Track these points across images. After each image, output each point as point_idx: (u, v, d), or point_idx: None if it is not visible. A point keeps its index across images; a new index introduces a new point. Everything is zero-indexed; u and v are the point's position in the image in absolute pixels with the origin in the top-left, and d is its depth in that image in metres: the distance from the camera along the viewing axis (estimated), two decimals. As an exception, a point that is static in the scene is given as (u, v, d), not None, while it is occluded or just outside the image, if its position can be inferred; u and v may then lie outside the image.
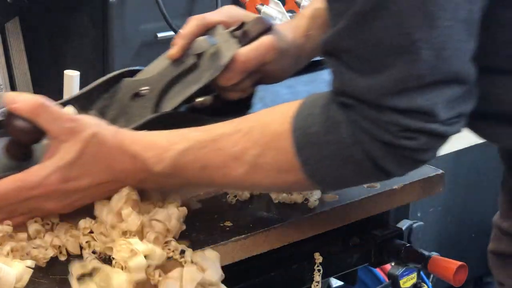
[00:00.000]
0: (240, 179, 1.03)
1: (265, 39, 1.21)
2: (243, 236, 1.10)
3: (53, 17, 1.96)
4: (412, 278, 2.04)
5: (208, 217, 1.14)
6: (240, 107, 1.26)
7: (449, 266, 1.26)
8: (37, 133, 1.03)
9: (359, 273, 1.41)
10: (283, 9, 1.98)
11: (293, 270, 1.20)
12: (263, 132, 1.01)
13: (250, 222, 1.13)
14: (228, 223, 1.13)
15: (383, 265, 1.35)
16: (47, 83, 2.00)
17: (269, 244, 1.12)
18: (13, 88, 1.98)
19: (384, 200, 1.23)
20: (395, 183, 1.24)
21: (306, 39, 1.25)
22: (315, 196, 1.18)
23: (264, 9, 1.98)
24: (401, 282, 2.02)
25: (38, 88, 2.01)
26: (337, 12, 0.95)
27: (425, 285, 2.09)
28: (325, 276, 1.22)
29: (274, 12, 1.98)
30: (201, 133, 1.04)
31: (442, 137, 0.96)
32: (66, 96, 1.48)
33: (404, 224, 1.32)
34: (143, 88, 1.23)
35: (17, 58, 1.99)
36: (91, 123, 1.04)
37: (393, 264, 1.75)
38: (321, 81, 1.00)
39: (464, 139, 2.45)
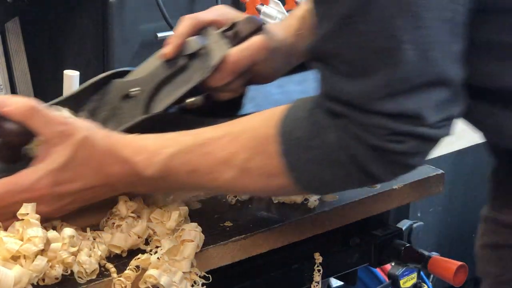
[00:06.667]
0: (228, 183, 1.02)
1: (256, 39, 1.20)
2: (243, 236, 1.10)
3: (53, 17, 1.96)
4: (412, 278, 2.04)
5: (208, 217, 1.14)
6: (230, 107, 1.25)
7: (449, 266, 1.26)
8: (28, 135, 1.03)
9: (359, 273, 1.41)
10: (283, 9, 1.98)
11: (293, 270, 1.19)
12: (251, 136, 1.01)
13: (250, 222, 1.13)
14: (228, 223, 1.13)
15: (383, 265, 1.35)
16: (47, 83, 2.00)
17: (269, 244, 1.12)
18: (13, 88, 1.98)
19: (384, 200, 1.23)
20: (395, 183, 1.24)
21: (297, 38, 1.23)
22: (314, 196, 1.18)
23: (264, 9, 1.98)
24: (401, 282, 2.02)
25: (38, 88, 2.01)
26: (322, 16, 0.95)
27: (425, 285, 2.10)
28: (325, 276, 1.22)
29: (274, 12, 1.98)
30: (190, 137, 1.04)
31: (431, 141, 0.95)
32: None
33: (404, 224, 1.33)
34: (133, 89, 1.21)
35: (17, 58, 1.99)
36: (82, 126, 1.03)
37: (393, 264, 1.75)
38: (313, 80, 0.99)
39: (464, 139, 2.45)
